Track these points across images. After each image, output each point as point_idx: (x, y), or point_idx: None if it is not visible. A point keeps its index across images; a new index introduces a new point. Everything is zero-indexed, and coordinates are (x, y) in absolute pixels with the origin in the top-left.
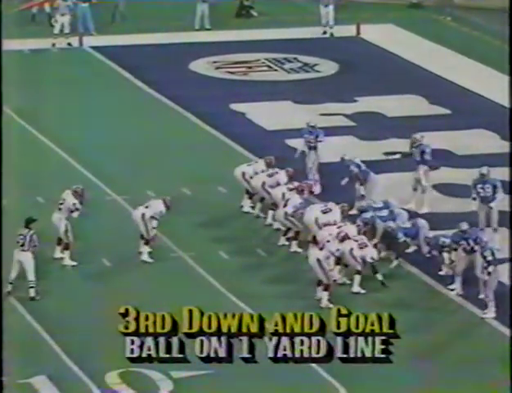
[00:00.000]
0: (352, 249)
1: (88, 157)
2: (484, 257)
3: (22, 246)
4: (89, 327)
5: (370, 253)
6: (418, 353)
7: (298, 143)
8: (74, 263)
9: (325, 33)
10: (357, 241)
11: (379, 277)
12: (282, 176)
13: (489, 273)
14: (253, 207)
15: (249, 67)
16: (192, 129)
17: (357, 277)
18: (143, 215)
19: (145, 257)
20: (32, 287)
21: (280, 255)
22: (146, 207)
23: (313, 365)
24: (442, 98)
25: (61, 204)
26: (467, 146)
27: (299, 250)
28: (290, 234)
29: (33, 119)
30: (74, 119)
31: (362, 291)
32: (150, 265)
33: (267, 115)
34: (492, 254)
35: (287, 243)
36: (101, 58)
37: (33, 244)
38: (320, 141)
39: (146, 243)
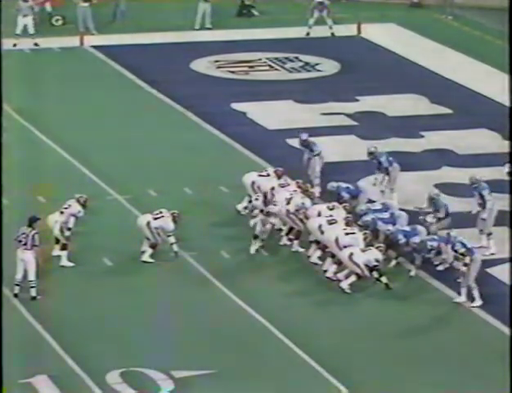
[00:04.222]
0: (351, 254)
1: (89, 156)
2: (455, 251)
3: (25, 245)
4: (90, 327)
5: (374, 256)
6: (417, 352)
7: (298, 143)
8: (72, 264)
9: (308, 34)
10: None
11: (384, 280)
12: (293, 187)
13: (466, 264)
14: (246, 208)
15: (251, 66)
16: (193, 129)
17: (353, 278)
18: (148, 223)
19: (146, 257)
20: (33, 287)
21: (282, 255)
22: (155, 219)
23: (315, 365)
24: (443, 98)
25: (66, 208)
26: (468, 145)
27: (301, 249)
28: (292, 235)
29: (34, 119)
30: (75, 119)
31: (348, 291)
32: (152, 265)
33: (269, 114)
34: (464, 245)
35: (289, 243)
36: (102, 57)
37: (35, 243)
38: (317, 155)
39: (152, 247)
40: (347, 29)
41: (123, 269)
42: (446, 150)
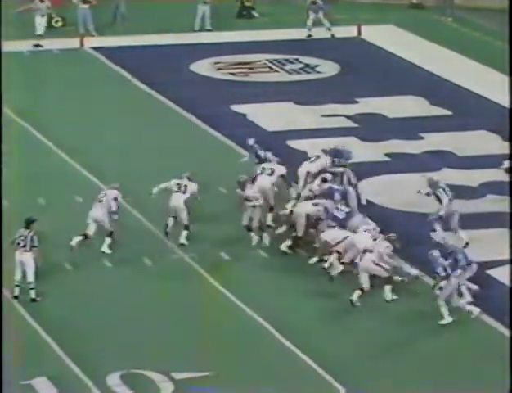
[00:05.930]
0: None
1: (89, 158)
2: (457, 261)
3: (24, 247)
4: (90, 329)
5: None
6: (417, 353)
7: (298, 144)
8: (110, 251)
9: (309, 36)
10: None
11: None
12: (324, 160)
13: (464, 268)
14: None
15: (251, 68)
16: (193, 130)
17: (388, 287)
18: (185, 202)
19: (183, 240)
20: (32, 289)
21: (282, 255)
22: (184, 192)
23: (315, 366)
24: (443, 99)
25: (103, 197)
26: (468, 147)
27: (301, 250)
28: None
29: (34, 120)
30: (75, 120)
31: (395, 297)
32: (151, 266)
33: (269, 116)
34: (465, 257)
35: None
36: (102, 59)
37: (34, 244)
38: (348, 160)
39: (186, 228)
40: (347, 31)
41: (122, 270)
42: (446, 151)
